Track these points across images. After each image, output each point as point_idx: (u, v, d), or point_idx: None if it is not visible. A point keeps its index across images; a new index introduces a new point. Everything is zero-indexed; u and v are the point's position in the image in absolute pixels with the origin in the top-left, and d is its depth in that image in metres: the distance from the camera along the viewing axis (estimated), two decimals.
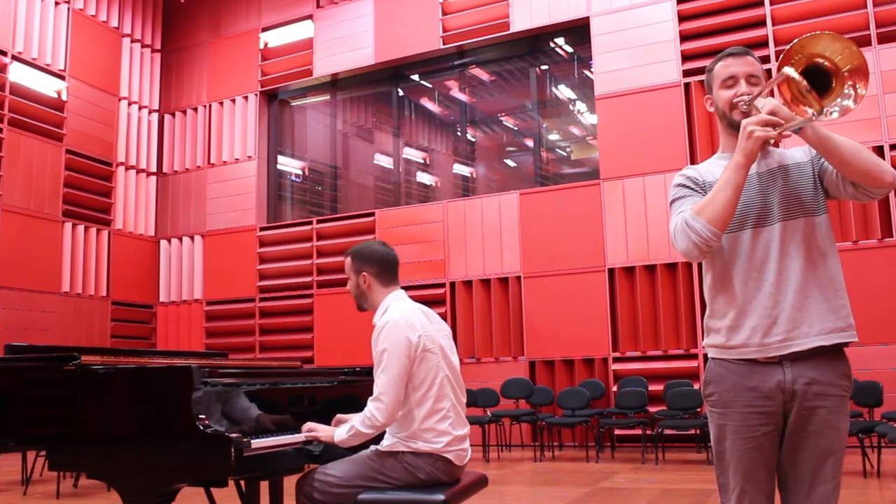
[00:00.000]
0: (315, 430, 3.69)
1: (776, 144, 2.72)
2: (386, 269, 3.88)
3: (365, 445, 3.68)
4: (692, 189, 2.71)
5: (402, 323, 3.60)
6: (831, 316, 2.54)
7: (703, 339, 2.78)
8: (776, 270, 2.56)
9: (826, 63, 2.42)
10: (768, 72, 2.47)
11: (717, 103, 2.76)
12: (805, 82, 2.43)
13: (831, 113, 2.45)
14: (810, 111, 2.46)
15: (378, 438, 3.69)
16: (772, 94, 2.61)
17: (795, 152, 2.70)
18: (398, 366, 3.53)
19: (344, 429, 3.58)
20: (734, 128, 2.64)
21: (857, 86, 2.42)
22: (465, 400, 3.82)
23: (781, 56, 2.44)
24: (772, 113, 2.49)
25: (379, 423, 3.50)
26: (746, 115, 2.61)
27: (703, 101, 2.91)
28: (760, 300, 2.57)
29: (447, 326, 3.93)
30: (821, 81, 2.44)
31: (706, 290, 2.74)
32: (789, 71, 2.43)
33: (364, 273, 3.86)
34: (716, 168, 2.71)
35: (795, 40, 2.42)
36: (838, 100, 2.43)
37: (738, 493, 2.61)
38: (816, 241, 2.58)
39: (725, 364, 2.64)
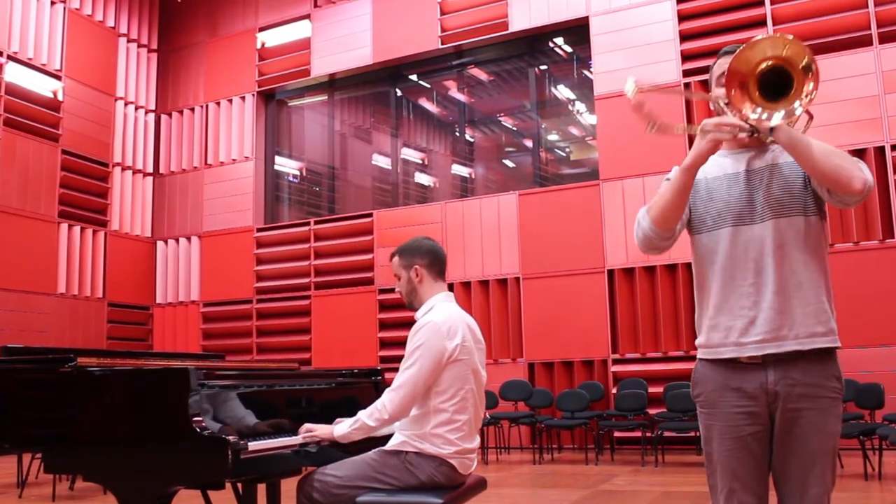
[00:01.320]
0: (313, 430, 3.66)
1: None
2: (437, 261, 3.84)
3: (367, 448, 3.66)
4: None
5: (443, 328, 3.57)
6: (811, 320, 2.52)
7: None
8: (755, 270, 2.56)
9: (774, 63, 2.39)
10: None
11: (714, 101, 2.76)
12: (757, 93, 2.42)
13: (796, 109, 2.41)
14: (764, 119, 2.44)
15: (384, 441, 3.68)
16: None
17: None
18: (425, 368, 3.51)
19: (347, 422, 3.57)
20: None
21: (812, 75, 2.38)
22: (482, 416, 3.81)
23: (726, 77, 2.43)
24: (743, 120, 2.50)
25: (386, 416, 3.49)
26: (719, 115, 2.65)
27: (708, 102, 2.89)
28: (738, 300, 2.57)
29: (483, 341, 3.89)
30: (779, 81, 2.41)
31: (694, 287, 2.79)
32: (629, 91, 2.51)
33: (416, 266, 3.79)
34: (709, 165, 2.68)
35: (736, 56, 2.41)
36: (801, 98, 2.39)
37: (727, 493, 2.60)
38: (801, 243, 2.55)
39: (710, 364, 2.65)
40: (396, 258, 3.86)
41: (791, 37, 2.37)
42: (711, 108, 2.84)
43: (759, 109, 2.42)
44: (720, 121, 2.54)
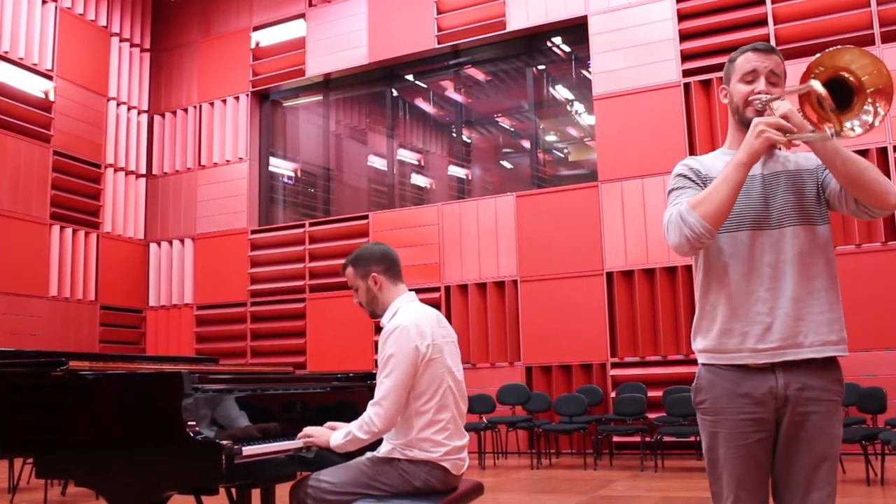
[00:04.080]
0: (312, 434, 3.65)
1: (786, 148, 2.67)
2: (392, 264, 3.82)
3: (360, 452, 3.65)
4: (693, 181, 2.68)
5: (412, 330, 3.54)
6: (825, 329, 2.53)
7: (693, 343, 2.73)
8: (772, 276, 2.54)
9: (850, 78, 2.34)
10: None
11: (732, 96, 2.71)
12: (829, 99, 2.36)
13: (850, 131, 2.38)
14: (828, 130, 2.37)
15: (374, 445, 3.66)
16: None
17: (802, 158, 2.66)
18: (402, 373, 3.49)
19: (340, 434, 3.55)
20: (745, 124, 2.61)
21: (878, 105, 2.35)
22: (465, 410, 3.79)
23: (807, 66, 2.36)
24: (784, 117, 2.44)
25: (376, 429, 3.47)
26: (760, 113, 2.57)
27: (718, 91, 2.85)
28: (754, 304, 2.55)
29: (454, 333, 3.87)
30: (842, 96, 2.37)
31: (698, 289, 2.72)
32: (815, 85, 2.36)
33: (373, 274, 3.77)
34: (719, 162, 2.68)
35: (823, 52, 2.35)
36: (855, 120, 2.36)
37: (733, 500, 2.58)
38: (815, 251, 2.56)
39: (716, 370, 2.62)
40: (350, 269, 3.84)
41: (884, 68, 2.33)
42: (723, 100, 2.78)
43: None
44: (773, 120, 2.47)
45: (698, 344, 2.68)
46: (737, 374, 2.57)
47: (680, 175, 2.72)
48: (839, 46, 2.34)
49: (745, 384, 2.55)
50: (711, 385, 2.62)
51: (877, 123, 2.35)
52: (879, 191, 2.43)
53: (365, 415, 3.49)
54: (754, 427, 2.54)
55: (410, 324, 3.56)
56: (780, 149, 2.60)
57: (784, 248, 2.54)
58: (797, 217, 2.56)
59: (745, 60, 2.67)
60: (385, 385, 3.48)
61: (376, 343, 13.16)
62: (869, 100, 2.34)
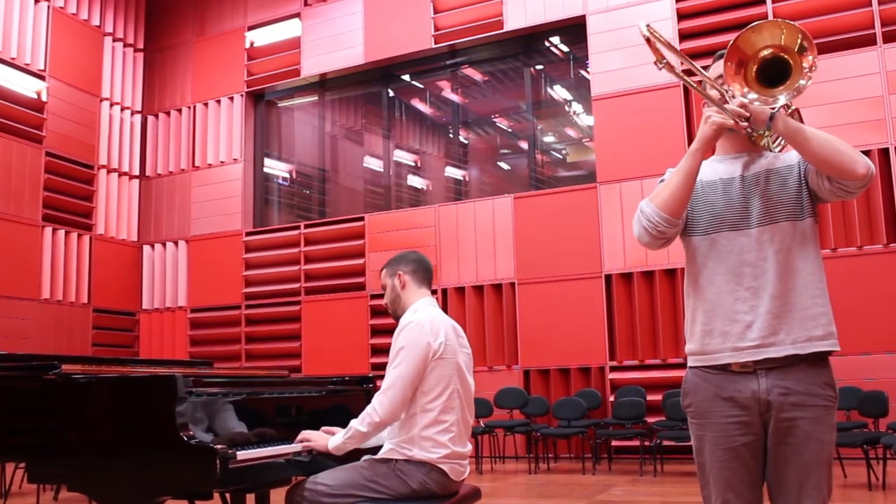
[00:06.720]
0: (309, 438, 3.66)
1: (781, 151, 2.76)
2: (420, 268, 3.91)
3: (358, 455, 3.64)
4: None
5: (426, 326, 3.59)
6: (809, 324, 2.54)
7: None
8: (753, 275, 2.58)
9: (770, 52, 2.42)
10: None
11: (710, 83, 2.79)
12: (762, 88, 2.47)
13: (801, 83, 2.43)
14: (783, 98, 2.47)
15: (374, 450, 3.66)
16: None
17: (787, 156, 2.69)
18: (412, 366, 3.52)
19: (340, 434, 3.56)
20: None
21: (810, 54, 2.41)
22: (472, 421, 3.80)
23: (724, 68, 2.51)
24: (742, 105, 2.53)
25: (378, 420, 3.48)
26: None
27: (702, 106, 2.87)
28: (735, 304, 2.59)
29: (469, 346, 3.89)
30: (777, 71, 2.43)
31: (684, 292, 2.75)
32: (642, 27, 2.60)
33: (399, 273, 3.86)
34: (707, 168, 2.73)
35: (729, 47, 2.48)
36: (801, 81, 2.42)
37: None
38: (797, 247, 2.59)
39: (701, 374, 2.66)
40: (384, 270, 3.97)
41: (787, 22, 2.41)
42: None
43: (752, 94, 2.49)
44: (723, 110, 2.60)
45: (686, 347, 2.72)
46: (721, 377, 2.59)
47: (662, 181, 2.78)
48: (739, 35, 2.43)
49: (729, 388, 2.57)
50: (697, 388, 2.65)
51: (814, 68, 2.39)
52: (845, 162, 2.43)
53: (369, 406, 3.53)
54: (740, 430, 2.55)
55: (426, 321, 3.62)
56: (769, 149, 2.69)
57: (764, 247, 2.57)
58: (777, 214, 2.58)
59: (714, 68, 2.76)
60: (392, 375, 3.52)
61: (373, 346, 13.21)
62: (805, 59, 2.39)
